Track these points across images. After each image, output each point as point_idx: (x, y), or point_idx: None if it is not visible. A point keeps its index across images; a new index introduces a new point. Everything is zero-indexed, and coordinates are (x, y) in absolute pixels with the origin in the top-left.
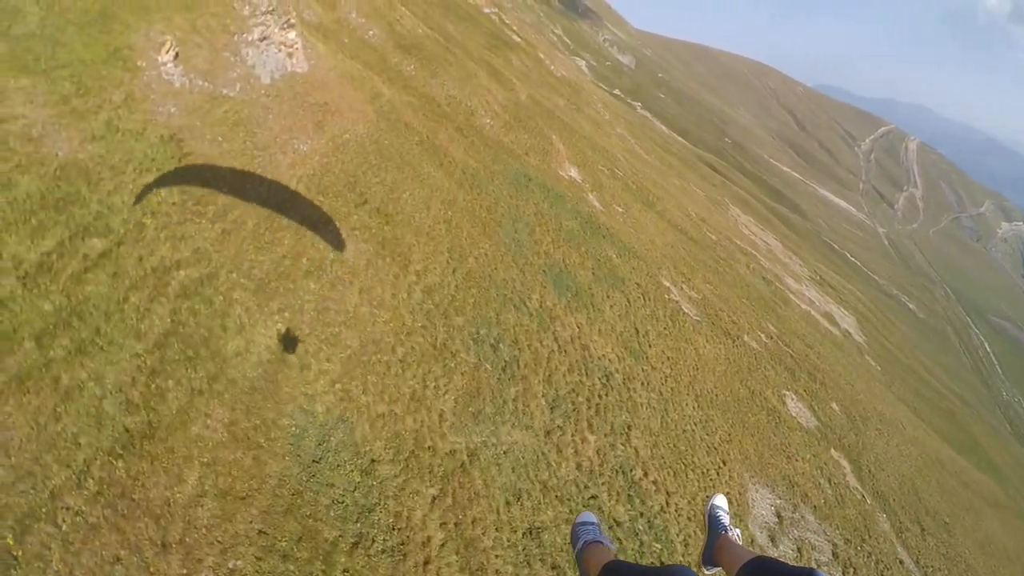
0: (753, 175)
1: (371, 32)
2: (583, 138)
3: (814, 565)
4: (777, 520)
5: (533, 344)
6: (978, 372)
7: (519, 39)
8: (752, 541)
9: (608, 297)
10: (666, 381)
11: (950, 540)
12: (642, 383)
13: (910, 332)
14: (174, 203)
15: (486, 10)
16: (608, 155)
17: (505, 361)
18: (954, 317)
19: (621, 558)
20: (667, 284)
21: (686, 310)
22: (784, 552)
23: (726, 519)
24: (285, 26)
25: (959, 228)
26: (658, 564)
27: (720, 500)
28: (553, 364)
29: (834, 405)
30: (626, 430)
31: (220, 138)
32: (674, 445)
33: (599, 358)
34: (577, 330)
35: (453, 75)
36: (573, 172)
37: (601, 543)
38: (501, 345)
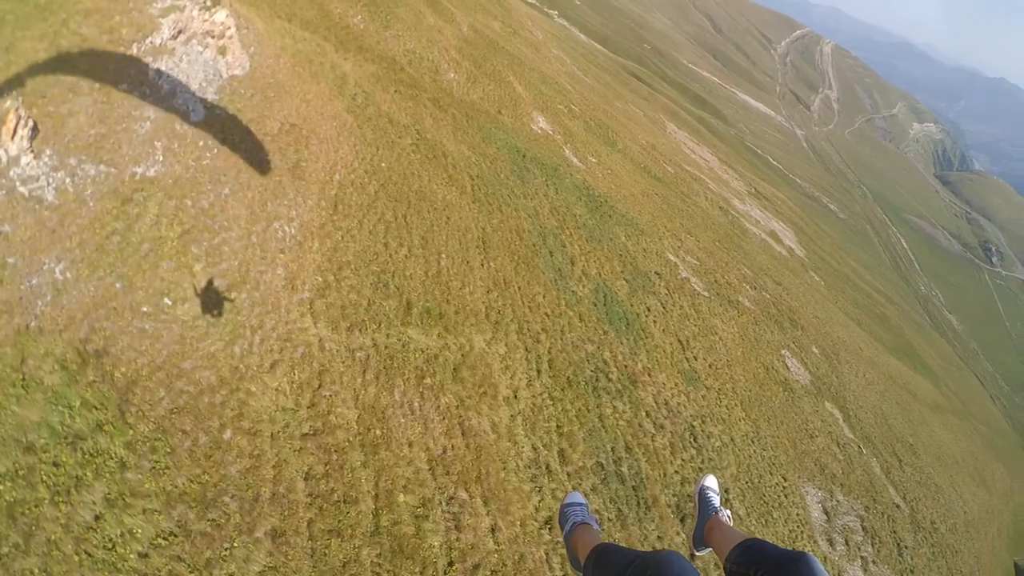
0: (675, 82)
1: None
2: (533, 71)
3: (863, 555)
4: (826, 518)
5: (639, 437)
6: (897, 268)
7: None
8: (825, 559)
9: (648, 310)
10: (720, 400)
11: (917, 462)
12: (708, 418)
13: (835, 235)
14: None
15: None
16: (558, 87)
17: (633, 485)
18: (872, 216)
19: (608, 541)
20: (673, 259)
21: (696, 286)
22: (839, 550)
23: (716, 500)
24: (207, 3)
25: (873, 129)
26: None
27: (710, 481)
28: (660, 454)
29: (814, 348)
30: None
31: (151, 306)
32: (755, 485)
33: (678, 409)
34: (651, 381)
35: (403, 20)
36: (542, 123)
37: (589, 525)
38: (623, 466)
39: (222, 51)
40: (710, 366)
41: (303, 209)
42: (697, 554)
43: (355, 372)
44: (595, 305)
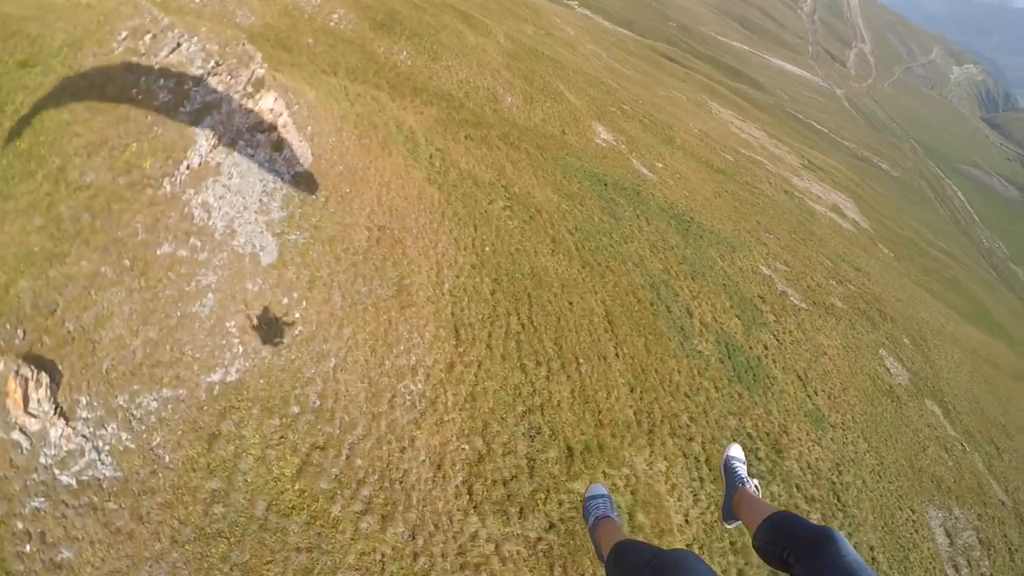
0: (707, 57)
1: (336, 15)
2: (577, 74)
3: (982, 572)
4: (949, 541)
5: None
6: (957, 223)
7: None
8: None
9: (765, 348)
10: (846, 437)
11: (1012, 445)
12: (842, 464)
13: (892, 196)
14: None
15: None
16: (604, 87)
17: None
18: (925, 170)
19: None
20: (767, 272)
21: (794, 300)
22: (964, 574)
23: (743, 470)
24: (250, 86)
25: (913, 78)
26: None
27: (735, 450)
28: None
29: (905, 340)
30: (869, 552)
31: None
32: (890, 528)
33: (818, 468)
34: (790, 443)
35: (447, 46)
36: (604, 133)
37: (611, 518)
38: None
39: (277, 146)
40: (829, 397)
41: (423, 350)
42: (728, 527)
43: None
44: (722, 362)
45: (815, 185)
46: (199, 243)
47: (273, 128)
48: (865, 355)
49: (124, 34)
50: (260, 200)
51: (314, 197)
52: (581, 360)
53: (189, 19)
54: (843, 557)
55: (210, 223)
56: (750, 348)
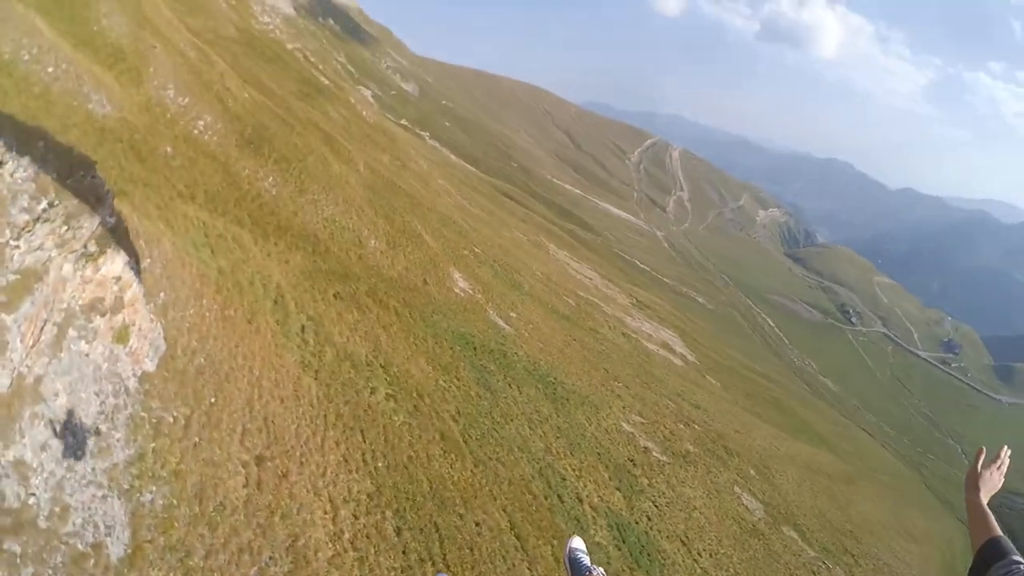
0: (543, 198)
1: (202, 122)
2: (431, 212)
3: None
4: None
5: None
6: (769, 347)
7: (327, 81)
8: None
9: (649, 519)
10: None
11: (863, 549)
12: None
13: (710, 327)
14: None
15: (289, 46)
16: (457, 227)
17: None
18: (737, 302)
19: None
20: (629, 429)
21: (656, 454)
22: None
23: (587, 559)
24: (93, 242)
25: (724, 222)
26: None
27: (577, 542)
28: None
29: (751, 471)
30: None
31: None
32: None
33: None
34: None
35: (315, 177)
36: (461, 282)
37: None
38: None
39: (121, 335)
40: (711, 556)
41: None
42: None
43: None
44: (619, 549)
45: (645, 323)
46: (16, 548)
47: (118, 307)
48: (725, 497)
49: None
50: (97, 432)
51: (171, 418)
52: None
53: (30, 105)
54: None
55: (30, 502)
56: (636, 522)
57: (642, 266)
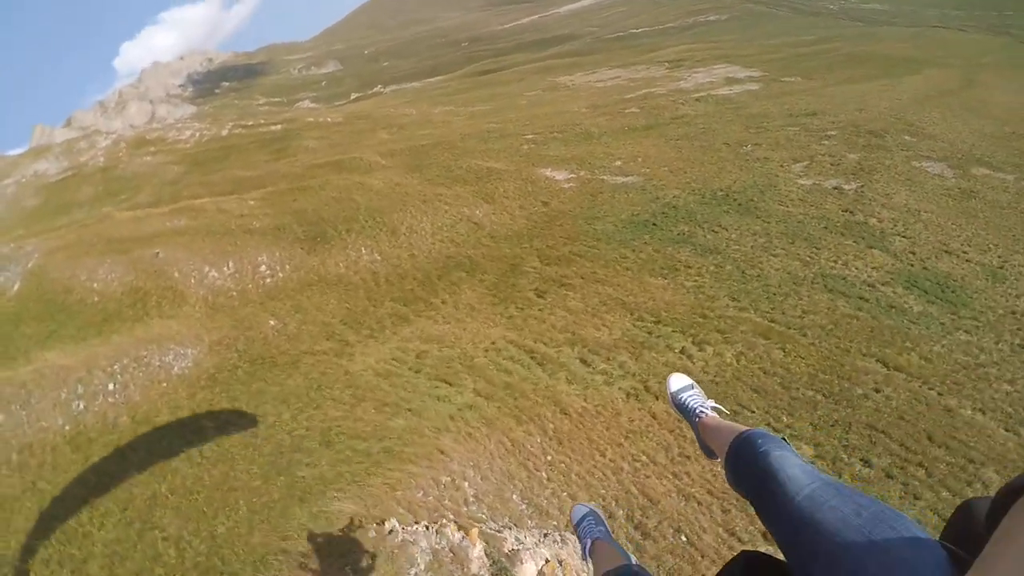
0: (508, 49)
1: (262, 268)
2: (467, 140)
3: None
4: None
5: None
6: (800, 11)
7: (279, 126)
8: None
9: (924, 261)
10: None
11: None
12: None
13: (742, 36)
14: None
15: (224, 132)
16: (494, 134)
17: None
18: None
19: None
20: (806, 182)
21: (864, 190)
22: None
23: (692, 400)
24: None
25: None
26: None
27: (676, 381)
28: None
29: (905, 136)
30: None
31: None
32: None
33: None
34: None
35: (392, 211)
36: (557, 175)
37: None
38: None
39: None
40: (971, 245)
41: None
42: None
43: None
44: (932, 303)
45: (696, 74)
46: None
47: None
48: (917, 177)
49: None
50: None
51: None
52: None
53: None
54: (787, 498)
55: None
56: (912, 265)
57: (638, 31)
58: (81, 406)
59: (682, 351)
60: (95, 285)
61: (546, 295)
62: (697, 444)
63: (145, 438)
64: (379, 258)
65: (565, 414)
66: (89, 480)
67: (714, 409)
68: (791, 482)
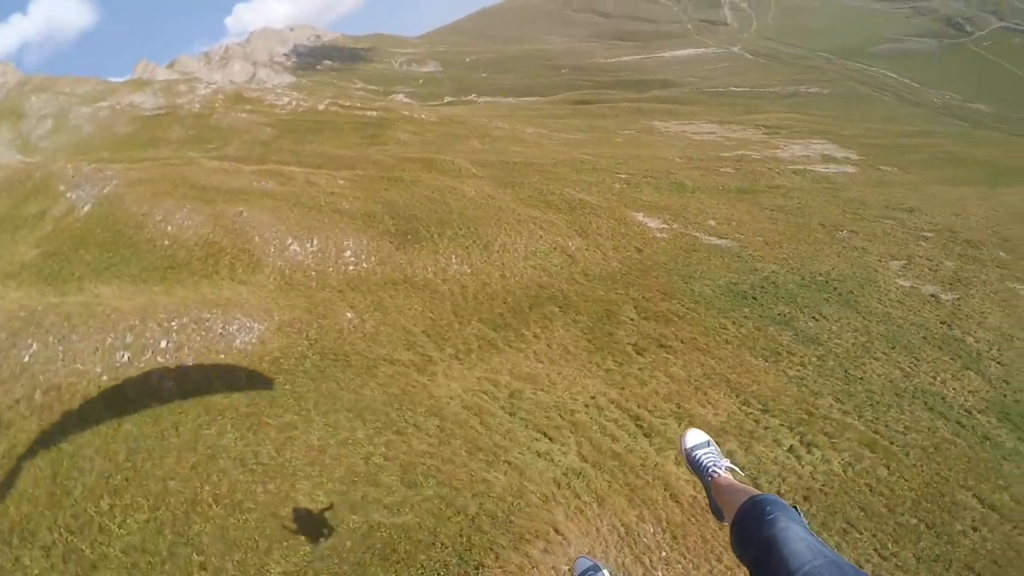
0: (610, 83)
1: (346, 254)
2: (559, 166)
3: None
4: None
5: None
6: (904, 100)
7: (374, 112)
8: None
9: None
10: None
11: None
12: None
13: (842, 114)
14: None
15: (320, 107)
16: (587, 166)
17: None
18: (848, 72)
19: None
20: (905, 283)
21: (963, 301)
22: None
23: (709, 457)
24: None
25: None
26: None
27: (693, 437)
28: None
29: (1000, 253)
30: None
31: None
32: None
33: None
34: None
35: (487, 224)
36: (649, 222)
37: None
38: None
39: None
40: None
41: None
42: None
43: None
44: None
45: (793, 146)
46: None
47: None
48: (1011, 301)
49: None
50: None
51: None
52: None
53: None
54: (787, 572)
55: None
56: (1007, 396)
57: (739, 90)
58: (126, 357)
59: (790, 449)
60: (169, 228)
61: (645, 353)
62: (708, 505)
63: (192, 417)
64: (469, 271)
65: (676, 501)
66: (117, 454)
67: (729, 469)
68: (793, 557)
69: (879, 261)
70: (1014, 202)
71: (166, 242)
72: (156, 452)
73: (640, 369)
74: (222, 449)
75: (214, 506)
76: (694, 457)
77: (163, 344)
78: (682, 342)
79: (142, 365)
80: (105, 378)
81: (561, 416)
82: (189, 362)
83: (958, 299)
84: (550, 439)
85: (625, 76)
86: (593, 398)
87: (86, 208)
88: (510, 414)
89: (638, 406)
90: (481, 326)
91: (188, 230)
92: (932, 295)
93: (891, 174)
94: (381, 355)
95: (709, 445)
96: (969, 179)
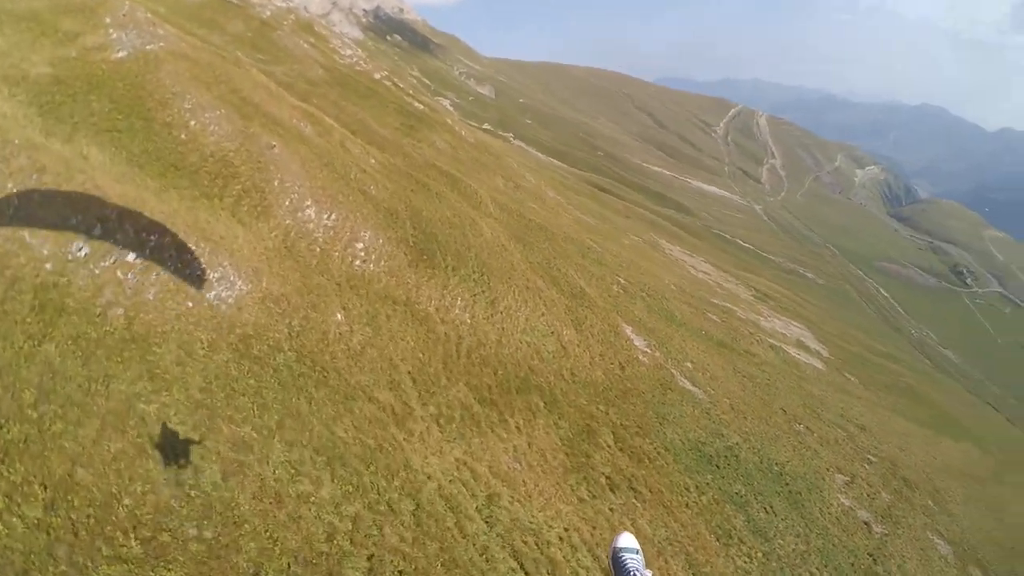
0: (634, 184)
1: (360, 244)
2: (568, 244)
3: None
4: None
5: None
6: (886, 320)
7: (421, 106)
8: None
9: None
10: None
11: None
12: None
13: (828, 307)
14: None
15: (376, 76)
16: (594, 256)
17: None
18: (848, 273)
19: None
20: (846, 502)
21: (871, 524)
22: None
23: (632, 563)
24: None
25: (822, 186)
26: None
27: (625, 540)
28: None
29: (928, 501)
30: None
31: None
32: None
33: None
34: None
35: (491, 269)
36: (637, 340)
37: None
38: None
39: None
40: None
41: None
42: None
43: None
44: None
45: (775, 320)
46: None
47: None
48: (932, 557)
49: None
50: None
51: None
52: None
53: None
54: None
55: None
56: None
57: (745, 245)
58: (83, 253)
59: None
60: (192, 123)
61: (617, 491)
62: None
63: (131, 377)
64: (469, 321)
65: None
66: (23, 393)
67: None
68: None
69: (827, 470)
70: (951, 457)
71: (183, 136)
72: (73, 412)
73: (611, 510)
74: (157, 441)
75: (130, 541)
76: (620, 559)
77: (131, 258)
78: (651, 491)
79: (97, 272)
80: (49, 267)
81: (538, 546)
82: (150, 295)
83: (886, 534)
84: (527, 574)
85: (650, 184)
86: (567, 531)
87: (120, 54)
88: (488, 524)
89: (607, 556)
90: (468, 393)
91: (211, 135)
92: (866, 522)
93: (853, 384)
94: (362, 384)
95: (637, 553)
96: (919, 418)
